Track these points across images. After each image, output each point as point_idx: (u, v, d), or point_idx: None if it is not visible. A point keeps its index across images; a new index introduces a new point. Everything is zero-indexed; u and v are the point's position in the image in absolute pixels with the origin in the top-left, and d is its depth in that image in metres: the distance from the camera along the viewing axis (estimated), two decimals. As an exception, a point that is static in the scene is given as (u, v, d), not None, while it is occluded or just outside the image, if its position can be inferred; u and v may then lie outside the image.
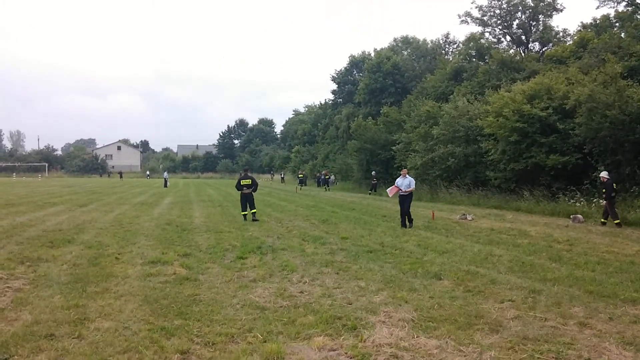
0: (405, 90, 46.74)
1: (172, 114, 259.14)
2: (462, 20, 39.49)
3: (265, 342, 4.74)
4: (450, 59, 42.88)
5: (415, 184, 15.13)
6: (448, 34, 50.78)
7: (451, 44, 50.92)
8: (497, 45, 38.66)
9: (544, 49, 37.86)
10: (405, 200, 13.92)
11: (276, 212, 18.37)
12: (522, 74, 29.45)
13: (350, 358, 4.46)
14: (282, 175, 65.64)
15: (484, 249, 10.19)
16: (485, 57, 36.07)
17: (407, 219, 13.94)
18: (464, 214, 16.87)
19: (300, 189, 40.92)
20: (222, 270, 7.97)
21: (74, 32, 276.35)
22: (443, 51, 50.75)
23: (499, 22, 38.76)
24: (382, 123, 38.35)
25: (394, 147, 32.97)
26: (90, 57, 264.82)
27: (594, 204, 16.71)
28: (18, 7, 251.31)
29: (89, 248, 9.76)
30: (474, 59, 37.45)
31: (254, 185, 16.00)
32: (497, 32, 39.64)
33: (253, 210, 15.65)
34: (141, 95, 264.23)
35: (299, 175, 49.21)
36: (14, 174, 79.30)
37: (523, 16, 37.95)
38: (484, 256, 9.30)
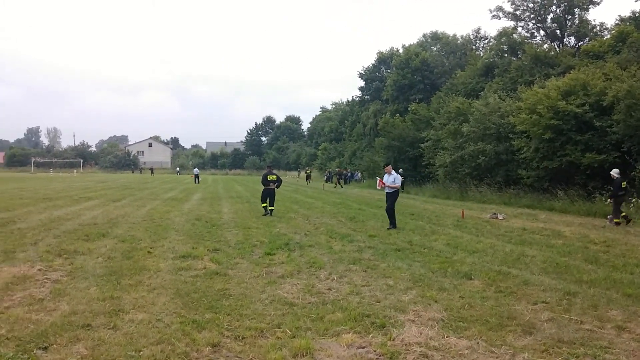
0: (434, 86, 46.20)
1: (202, 111, 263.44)
2: (494, 15, 38.78)
3: (294, 337, 4.75)
4: (481, 55, 42.20)
5: (444, 182, 14.79)
6: (479, 29, 50.01)
7: (482, 39, 50.09)
8: (530, 40, 37.78)
9: (579, 44, 36.82)
10: (388, 197, 13.33)
11: (303, 209, 18.42)
12: (556, 69, 28.76)
13: (380, 356, 4.43)
14: (308, 172, 65.25)
15: (516, 249, 9.99)
16: (518, 53, 35.35)
17: (389, 218, 13.33)
18: (494, 213, 16.60)
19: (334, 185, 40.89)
20: (251, 265, 8.02)
21: (109, 34, 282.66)
22: (473, 47, 49.94)
23: (532, 16, 37.88)
24: (410, 120, 38.02)
25: (422, 145, 32.66)
26: (123, 56, 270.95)
27: (632, 205, 16.20)
28: (56, 15, 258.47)
29: (123, 242, 9.97)
30: (506, 55, 36.72)
31: (278, 181, 16.52)
32: (530, 27, 38.75)
33: (271, 208, 15.99)
34: (172, 93, 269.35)
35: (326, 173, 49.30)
36: (51, 169, 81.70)
37: (558, 10, 36.99)
38: (516, 256, 9.12)
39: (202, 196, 25.14)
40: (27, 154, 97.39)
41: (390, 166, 13.62)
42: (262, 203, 16.22)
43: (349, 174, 48.19)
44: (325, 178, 52.33)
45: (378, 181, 14.25)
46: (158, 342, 4.50)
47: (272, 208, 16.06)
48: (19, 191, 25.85)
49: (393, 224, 13.15)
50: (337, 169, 46.21)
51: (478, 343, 4.71)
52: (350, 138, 63.97)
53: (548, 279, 7.33)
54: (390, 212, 13.22)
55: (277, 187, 16.50)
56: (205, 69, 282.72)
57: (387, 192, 13.41)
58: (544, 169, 20.37)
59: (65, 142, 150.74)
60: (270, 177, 16.23)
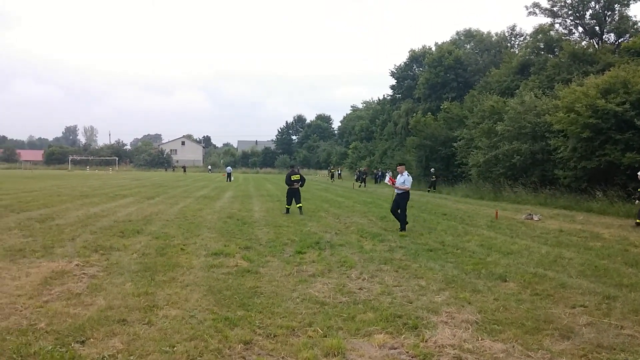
0: (468, 85, 45.47)
1: (233, 110, 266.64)
2: (530, 12, 37.76)
3: (325, 336, 4.74)
4: (517, 52, 41.25)
5: (477, 182, 14.39)
6: (514, 26, 48.77)
7: (517, 36, 48.91)
8: (567, 37, 36.72)
9: (620, 41, 35.58)
10: (399, 199, 12.60)
11: (333, 208, 18.40)
12: (595, 67, 27.88)
13: (412, 357, 4.37)
14: (339, 172, 65.41)
15: (552, 251, 9.74)
16: (555, 50, 34.40)
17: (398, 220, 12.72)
18: (529, 214, 16.23)
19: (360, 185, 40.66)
20: (282, 264, 8.05)
21: (144, 34, 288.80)
22: (509, 44, 48.87)
23: (570, 12, 36.76)
24: (443, 119, 37.55)
25: (454, 144, 32.21)
26: (157, 55, 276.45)
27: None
28: (94, 19, 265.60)
29: (156, 239, 10.15)
30: (543, 52, 35.77)
31: (302, 180, 16.87)
32: (568, 23, 37.61)
33: (299, 205, 16.27)
34: (204, 92, 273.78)
35: (356, 172, 49.18)
36: (88, 167, 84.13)
37: (597, 6, 35.81)
38: (552, 259, 8.88)
39: (234, 194, 25.41)
40: (65, 152, 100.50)
41: (403, 166, 13.07)
42: (287, 204, 16.39)
43: (380, 173, 47.87)
44: (355, 177, 52.21)
45: (388, 177, 14.02)
46: (191, 338, 4.56)
47: (300, 205, 16.34)
48: (57, 188, 26.64)
49: (403, 227, 12.48)
50: (362, 168, 45.64)
51: (514, 347, 4.61)
52: (381, 137, 63.60)
53: (586, 282, 7.11)
54: (402, 215, 12.55)
55: (301, 186, 16.83)
56: (237, 67, 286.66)
57: (397, 193, 12.76)
58: (582, 169, 19.78)
59: (101, 140, 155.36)
60: (293, 177, 16.52)
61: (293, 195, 16.36)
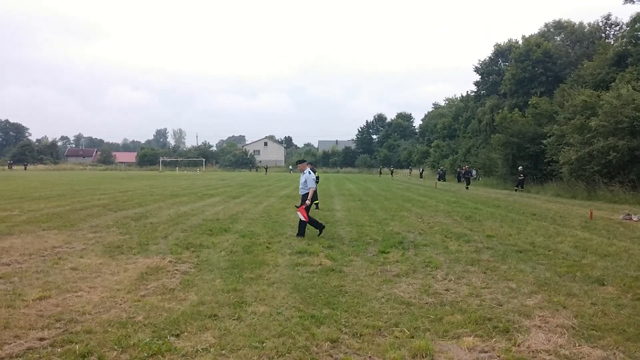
0: (558, 79, 43.01)
1: (314, 110, 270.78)
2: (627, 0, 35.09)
3: (412, 337, 4.66)
4: (612, 43, 38.46)
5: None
6: (609, 15, 45.20)
7: (613, 26, 45.57)
8: (670, 24, 33.68)
9: None
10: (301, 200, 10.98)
11: (416, 208, 18.10)
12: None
13: (504, 363, 4.20)
14: (421, 171, 65.15)
15: (657, 254, 8.98)
16: (656, 38, 31.71)
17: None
18: (628, 214, 15.10)
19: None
20: (366, 263, 8.03)
21: (231, 39, 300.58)
22: (603, 34, 45.66)
23: (674, -3, 33.75)
24: (531, 115, 35.88)
25: (544, 141, 30.65)
26: (241, 58, 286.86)
27: None
28: (184, 28, 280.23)
29: (243, 237, 10.50)
30: (642, 41, 33.11)
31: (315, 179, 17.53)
32: (671, 9, 34.53)
33: (316, 201, 16.73)
34: (287, 93, 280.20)
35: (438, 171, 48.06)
36: (177, 167, 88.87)
37: None
38: (657, 262, 8.19)
39: (315, 194, 25.66)
40: (156, 154, 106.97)
41: (304, 163, 11.35)
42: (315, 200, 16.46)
43: (463, 172, 46.50)
44: (437, 176, 51.10)
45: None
46: (279, 334, 4.66)
47: (317, 201, 16.95)
48: (149, 188, 28.31)
49: (300, 231, 10.76)
50: (465, 167, 43.02)
51: (615, 354, 4.30)
52: (464, 135, 61.89)
53: (699, 289, 6.48)
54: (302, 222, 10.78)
55: (316, 182, 17.58)
56: (320, 66, 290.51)
57: (301, 195, 11.16)
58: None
59: (189, 142, 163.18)
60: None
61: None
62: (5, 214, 13.80)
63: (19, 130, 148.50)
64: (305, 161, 11.64)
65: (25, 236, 10.06)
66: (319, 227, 10.90)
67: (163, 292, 6.06)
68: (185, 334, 4.66)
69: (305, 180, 10.96)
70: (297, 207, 10.99)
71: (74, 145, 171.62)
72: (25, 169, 77.64)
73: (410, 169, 73.56)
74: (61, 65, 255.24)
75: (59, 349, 4.24)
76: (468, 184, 36.12)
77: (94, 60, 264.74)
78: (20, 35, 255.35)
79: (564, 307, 5.65)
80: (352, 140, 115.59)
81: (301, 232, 10.77)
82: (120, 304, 5.56)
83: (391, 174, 72.36)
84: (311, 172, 11.20)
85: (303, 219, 10.64)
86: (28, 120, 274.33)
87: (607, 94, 25.41)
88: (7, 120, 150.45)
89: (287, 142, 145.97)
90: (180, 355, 4.17)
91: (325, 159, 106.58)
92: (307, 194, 10.85)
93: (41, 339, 4.45)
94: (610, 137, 23.03)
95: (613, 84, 27.68)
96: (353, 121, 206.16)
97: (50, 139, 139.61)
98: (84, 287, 6.20)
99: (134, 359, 4.08)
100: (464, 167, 43.09)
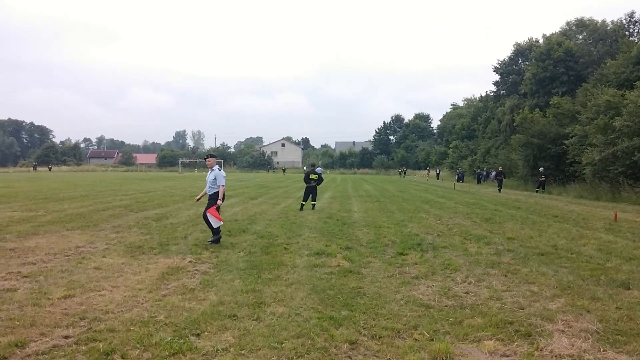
0: (580, 78, 42.29)
1: (331, 111, 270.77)
2: (652, -5, 34.39)
3: (431, 340, 4.63)
4: (636, 41, 37.70)
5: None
6: (633, 12, 44.35)
7: (637, 23, 44.70)
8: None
9: None
10: (209, 200, 9.97)
11: (434, 209, 17.97)
12: None
13: (526, 367, 4.15)
14: (438, 172, 64.87)
15: (684, 257, 8.77)
16: (682, 35, 31.01)
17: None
18: (655, 217, 14.73)
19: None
20: (384, 265, 8.00)
21: (249, 40, 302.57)
22: (627, 32, 44.80)
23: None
24: (552, 115, 35.34)
25: (566, 141, 30.18)
26: (261, 61, 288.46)
27: None
28: (202, 31, 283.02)
29: (261, 238, 10.55)
30: (668, 39, 32.43)
31: (319, 180, 18.13)
32: (698, 6, 33.73)
33: (313, 202, 17.60)
34: (304, 94, 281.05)
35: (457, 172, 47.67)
36: (196, 169, 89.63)
37: None
38: (684, 266, 8.00)
39: (332, 195, 25.71)
40: (176, 155, 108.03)
41: (213, 159, 10.29)
42: (303, 200, 17.50)
43: (484, 173, 46.03)
44: (456, 177, 50.73)
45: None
46: (298, 335, 4.67)
47: (314, 202, 17.71)
48: (169, 189, 28.64)
49: (214, 238, 9.79)
50: (499, 168, 38.57)
51: (641, 360, 4.22)
52: (483, 135, 61.28)
53: None
54: (205, 218, 9.77)
55: (318, 184, 18.08)
56: (337, 68, 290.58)
57: (209, 194, 10.09)
58: None
59: (208, 143, 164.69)
60: (312, 176, 17.86)
61: (310, 192, 17.66)
62: (30, 214, 14.09)
63: (43, 132, 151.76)
64: (215, 156, 10.48)
65: (50, 236, 10.26)
66: (217, 234, 9.78)
67: (183, 292, 6.12)
68: (206, 333, 4.70)
69: (215, 178, 9.85)
70: (206, 209, 9.63)
71: (96, 147, 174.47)
72: (49, 170, 79.30)
73: (429, 170, 73.01)
74: (83, 68, 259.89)
75: (83, 347, 4.32)
76: (500, 186, 32.84)
77: (115, 63, 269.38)
78: (45, 39, 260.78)
79: (588, 312, 5.56)
80: (370, 141, 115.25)
81: (216, 240, 9.69)
82: (142, 303, 5.63)
83: (402, 174, 73.16)
84: (221, 168, 10.20)
85: (215, 221, 9.54)
86: (52, 123, 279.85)
87: (632, 93, 24.92)
88: (31, 123, 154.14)
89: (305, 143, 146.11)
90: (200, 355, 4.20)
91: (343, 160, 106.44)
92: (217, 192, 9.80)
93: (66, 337, 4.54)
94: (635, 137, 22.60)
95: (637, 82, 27.15)
96: (370, 122, 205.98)
97: (73, 141, 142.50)
98: (107, 286, 6.30)
99: (155, 358, 4.13)
100: (497, 169, 37.85)
